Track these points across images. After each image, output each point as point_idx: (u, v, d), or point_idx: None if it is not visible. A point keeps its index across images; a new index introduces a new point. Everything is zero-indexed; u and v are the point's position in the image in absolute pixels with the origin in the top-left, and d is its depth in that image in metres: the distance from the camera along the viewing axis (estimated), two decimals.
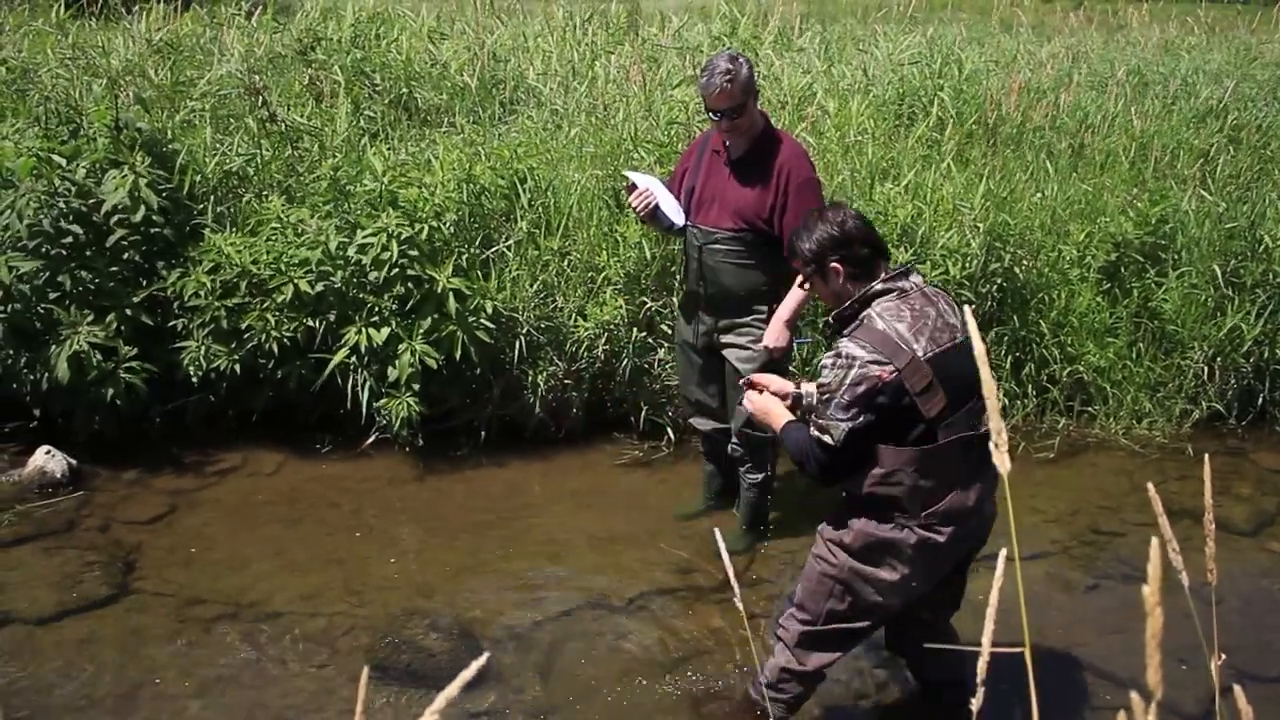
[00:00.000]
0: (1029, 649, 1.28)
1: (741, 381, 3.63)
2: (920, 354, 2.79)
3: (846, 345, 2.83)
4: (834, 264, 2.94)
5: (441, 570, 4.36)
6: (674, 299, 5.40)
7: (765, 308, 4.13)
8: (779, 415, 3.17)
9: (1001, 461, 1.03)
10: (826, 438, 2.85)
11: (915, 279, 2.97)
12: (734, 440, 4.39)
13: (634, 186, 4.17)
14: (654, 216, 4.19)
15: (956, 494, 2.91)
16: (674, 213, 4.17)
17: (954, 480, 2.90)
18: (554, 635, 3.97)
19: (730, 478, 4.65)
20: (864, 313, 2.89)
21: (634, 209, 4.20)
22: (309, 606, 4.08)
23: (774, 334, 4.08)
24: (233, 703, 3.55)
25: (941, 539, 2.93)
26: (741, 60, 3.94)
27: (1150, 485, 1.36)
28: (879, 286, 2.91)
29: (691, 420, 4.66)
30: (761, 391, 3.29)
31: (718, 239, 4.08)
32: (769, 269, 4.08)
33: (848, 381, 2.79)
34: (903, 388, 2.78)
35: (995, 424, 1.01)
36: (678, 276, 5.44)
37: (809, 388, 3.25)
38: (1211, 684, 3.55)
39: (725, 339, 4.23)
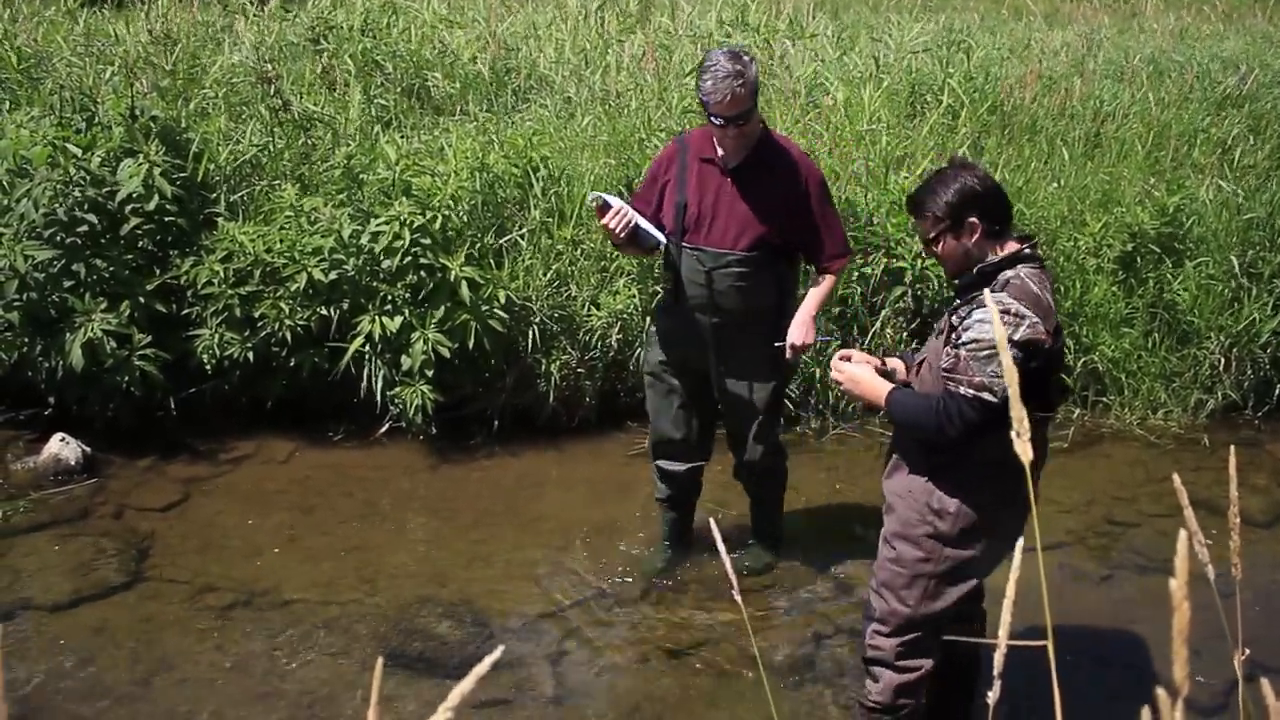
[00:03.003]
0: (1048, 640, 1.27)
1: (780, 345, 3.54)
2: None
3: (1007, 301, 2.70)
4: (972, 219, 2.81)
5: (454, 559, 4.37)
6: None
7: (773, 324, 3.79)
8: (877, 383, 2.97)
9: (1024, 451, 1.02)
10: (987, 395, 2.69)
11: None
12: (745, 472, 4.12)
13: (606, 206, 3.69)
14: (634, 238, 3.75)
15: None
16: (651, 227, 3.75)
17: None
18: (565, 624, 3.98)
19: (689, 518, 4.36)
20: (1008, 273, 2.78)
21: (611, 230, 3.70)
22: (322, 594, 4.09)
23: (801, 330, 3.76)
24: (245, 690, 3.56)
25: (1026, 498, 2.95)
26: (747, 58, 3.54)
27: (1175, 476, 1.35)
28: (1029, 251, 2.82)
29: (659, 464, 4.18)
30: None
31: (729, 261, 3.69)
32: (778, 284, 3.81)
33: (1015, 337, 2.66)
34: (1049, 352, 2.73)
35: (1017, 412, 1.00)
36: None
37: (895, 363, 3.14)
38: (1228, 675, 3.54)
39: (732, 362, 3.86)
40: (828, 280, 3.87)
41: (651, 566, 4.32)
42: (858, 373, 3.01)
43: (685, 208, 3.72)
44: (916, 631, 3.00)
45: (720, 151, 3.69)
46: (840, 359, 3.07)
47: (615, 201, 3.69)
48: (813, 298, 3.83)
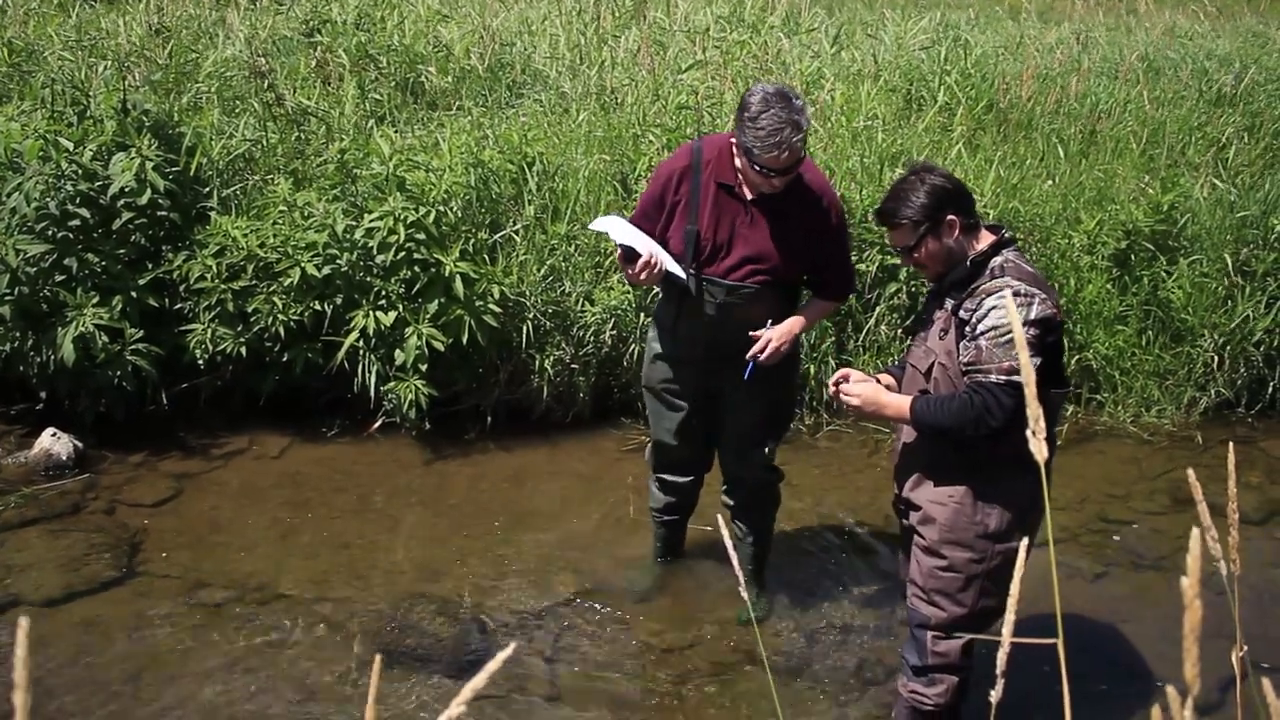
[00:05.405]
0: (1050, 638, 1.26)
1: (755, 350, 3.39)
2: None
3: (1013, 284, 2.73)
4: (950, 217, 2.83)
5: (448, 554, 4.35)
6: None
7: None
8: (896, 397, 2.95)
9: (1039, 450, 1.01)
10: (1019, 377, 2.52)
11: None
12: (739, 490, 3.91)
13: (633, 253, 3.36)
14: (664, 278, 3.48)
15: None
16: (676, 266, 3.44)
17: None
18: (560, 621, 3.97)
19: (682, 530, 4.22)
20: (997, 259, 2.82)
21: (639, 279, 3.40)
22: (315, 590, 4.08)
23: (786, 333, 3.47)
24: (238, 686, 3.55)
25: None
26: (798, 101, 3.19)
27: (1191, 472, 1.34)
28: (1008, 235, 2.88)
29: (660, 476, 4.00)
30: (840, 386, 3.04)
31: (740, 294, 3.47)
32: (783, 305, 3.57)
33: (1032, 316, 2.70)
34: (1060, 327, 2.80)
35: (1033, 410, 0.99)
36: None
37: (887, 378, 3.11)
38: (1224, 672, 3.54)
39: (735, 383, 3.60)
40: (825, 305, 3.72)
41: (642, 581, 4.21)
42: (873, 392, 2.98)
43: (699, 237, 3.44)
44: (973, 630, 3.01)
45: (743, 181, 3.39)
46: (841, 381, 3.01)
47: (643, 246, 3.36)
48: (802, 316, 3.57)
